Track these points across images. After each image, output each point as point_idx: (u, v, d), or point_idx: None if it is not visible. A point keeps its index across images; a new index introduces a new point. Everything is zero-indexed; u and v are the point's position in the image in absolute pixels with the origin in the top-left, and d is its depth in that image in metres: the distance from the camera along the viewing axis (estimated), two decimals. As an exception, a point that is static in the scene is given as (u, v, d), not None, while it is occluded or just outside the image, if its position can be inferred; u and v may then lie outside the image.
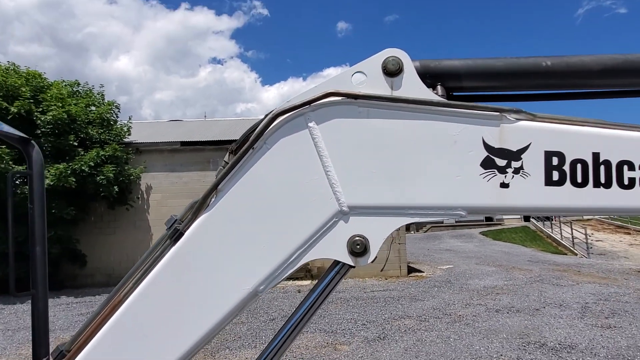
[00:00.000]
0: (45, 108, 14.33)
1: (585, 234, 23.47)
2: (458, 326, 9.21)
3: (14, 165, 13.22)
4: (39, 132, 14.22)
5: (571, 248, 24.43)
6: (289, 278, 16.13)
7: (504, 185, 1.22)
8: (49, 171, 13.79)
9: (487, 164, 1.23)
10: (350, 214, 1.26)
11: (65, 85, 16.18)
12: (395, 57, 1.28)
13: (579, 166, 1.20)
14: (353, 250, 1.24)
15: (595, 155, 1.20)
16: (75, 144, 14.75)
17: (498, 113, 1.24)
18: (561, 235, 28.23)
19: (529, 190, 1.21)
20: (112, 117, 16.78)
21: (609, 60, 1.31)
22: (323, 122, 1.28)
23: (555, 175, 1.21)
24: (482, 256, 21.89)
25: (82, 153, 14.73)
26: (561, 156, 1.21)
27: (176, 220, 1.34)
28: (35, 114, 14.20)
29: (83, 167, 14.24)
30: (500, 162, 1.23)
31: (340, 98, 1.27)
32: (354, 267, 1.28)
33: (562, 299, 11.44)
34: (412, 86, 1.28)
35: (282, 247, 1.27)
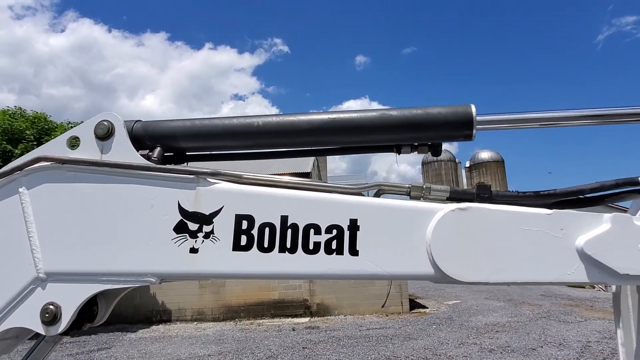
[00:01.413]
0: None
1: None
2: (444, 368, 8.81)
3: None
4: (42, 173, 14.75)
5: (589, 281, 23.38)
6: (287, 315, 15.98)
7: (194, 250, 1.18)
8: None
9: (180, 228, 1.20)
10: (47, 281, 1.23)
11: (70, 125, 16.82)
12: (107, 121, 1.29)
13: (267, 230, 1.16)
14: (43, 319, 1.21)
15: (284, 219, 1.16)
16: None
17: (194, 176, 1.22)
18: (580, 267, 27.10)
19: (216, 255, 1.17)
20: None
21: (317, 119, 1.28)
22: (33, 187, 1.28)
23: (243, 240, 1.16)
24: (494, 290, 21.14)
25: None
26: (251, 220, 1.17)
27: None
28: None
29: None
30: (193, 227, 1.19)
31: (49, 163, 1.27)
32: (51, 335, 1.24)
33: (564, 338, 10.87)
34: (121, 149, 1.28)
35: None
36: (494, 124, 1.26)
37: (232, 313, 16.38)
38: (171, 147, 1.35)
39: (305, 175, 19.86)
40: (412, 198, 1.26)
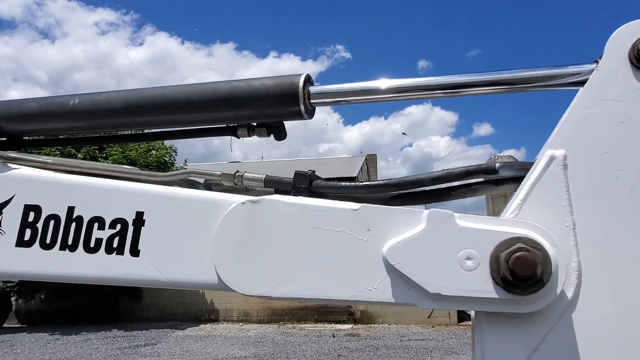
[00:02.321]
0: (107, 153, 15.84)
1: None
2: (483, 386, 8.17)
3: None
4: (102, 175, 15.71)
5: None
6: (331, 321, 15.76)
7: None
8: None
9: None
10: None
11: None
12: None
13: (52, 223, 1.00)
14: None
15: (70, 210, 0.99)
16: (133, 185, 16.09)
17: None
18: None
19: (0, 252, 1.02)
20: (170, 160, 18.05)
21: (131, 95, 1.10)
22: None
23: (27, 234, 1.01)
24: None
25: (138, 194, 15.99)
26: (38, 211, 1.02)
27: None
28: (100, 159, 15.72)
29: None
30: None
31: None
32: None
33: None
34: None
35: None
36: (332, 97, 1.02)
37: (276, 316, 16.45)
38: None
39: (351, 180, 19.30)
40: (234, 190, 1.04)
